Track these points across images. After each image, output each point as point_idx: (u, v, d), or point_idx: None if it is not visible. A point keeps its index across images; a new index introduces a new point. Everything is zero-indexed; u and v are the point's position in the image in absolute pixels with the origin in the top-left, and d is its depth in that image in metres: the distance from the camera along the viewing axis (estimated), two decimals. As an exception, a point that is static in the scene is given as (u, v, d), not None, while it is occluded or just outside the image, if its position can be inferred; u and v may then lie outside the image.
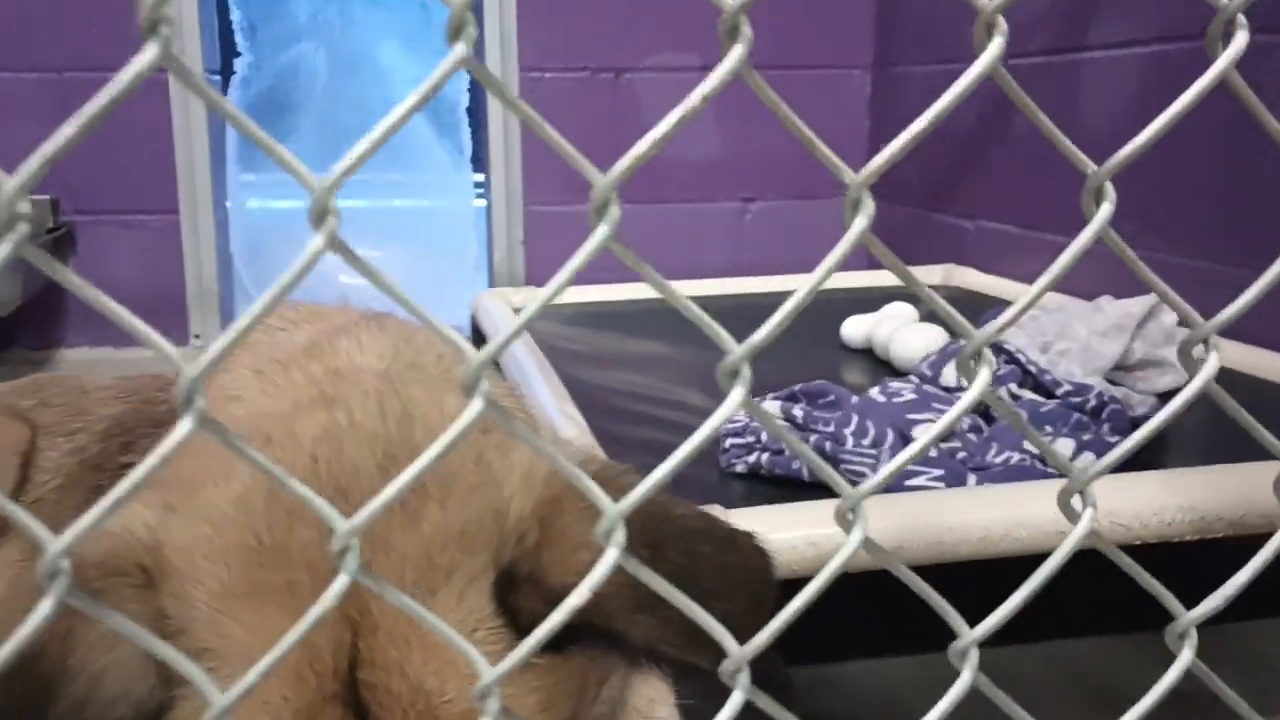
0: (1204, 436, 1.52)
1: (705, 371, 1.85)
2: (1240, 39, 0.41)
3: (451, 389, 0.69)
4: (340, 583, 0.40)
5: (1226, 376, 1.56)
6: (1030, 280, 2.05)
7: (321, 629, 0.55)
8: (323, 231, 0.38)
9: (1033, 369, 1.71)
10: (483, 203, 3.68)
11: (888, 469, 0.44)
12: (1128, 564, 0.46)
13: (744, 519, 1.20)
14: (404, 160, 4.25)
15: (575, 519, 0.58)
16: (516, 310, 2.60)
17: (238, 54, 4.15)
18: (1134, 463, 1.45)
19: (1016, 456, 1.47)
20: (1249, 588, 0.50)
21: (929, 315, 2.43)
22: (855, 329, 2.25)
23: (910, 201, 3.28)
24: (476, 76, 0.39)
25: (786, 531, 1.18)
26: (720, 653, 0.42)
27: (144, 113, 3.13)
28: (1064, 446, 1.49)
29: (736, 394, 0.40)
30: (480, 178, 4.03)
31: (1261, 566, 0.51)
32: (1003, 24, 0.40)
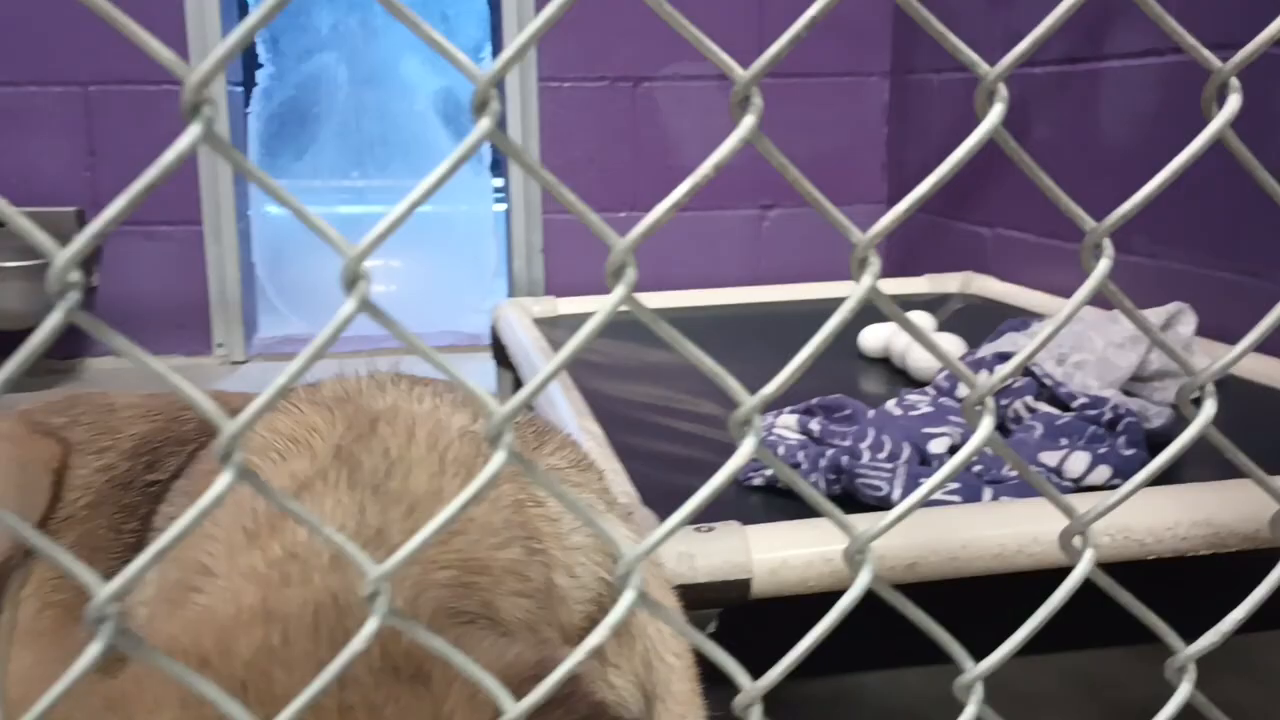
0: (1219, 452, 1.53)
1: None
2: (1234, 101, 0.42)
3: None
4: (370, 625, 0.42)
5: (1238, 387, 1.56)
6: (1048, 288, 2.07)
7: None
8: (354, 296, 0.40)
9: (1048, 382, 1.72)
10: (502, 207, 3.71)
11: (896, 513, 0.46)
12: (1127, 599, 0.48)
13: (762, 535, 1.22)
14: (423, 165, 4.28)
15: None
16: (536, 320, 2.63)
17: (260, 65, 4.20)
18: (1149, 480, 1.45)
19: (1032, 470, 1.48)
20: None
21: (946, 324, 2.44)
22: (873, 338, 2.27)
23: (928, 209, 3.29)
24: (500, 148, 0.41)
25: (803, 548, 1.20)
26: None
27: (167, 126, 3.18)
28: (1079, 460, 1.50)
29: (748, 445, 0.42)
30: (499, 182, 4.05)
31: (1262, 600, 0.52)
32: (1003, 90, 0.42)
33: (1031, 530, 1.23)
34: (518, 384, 2.66)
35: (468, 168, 4.55)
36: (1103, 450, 1.52)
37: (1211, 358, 1.89)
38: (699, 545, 1.18)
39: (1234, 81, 0.42)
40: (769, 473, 1.49)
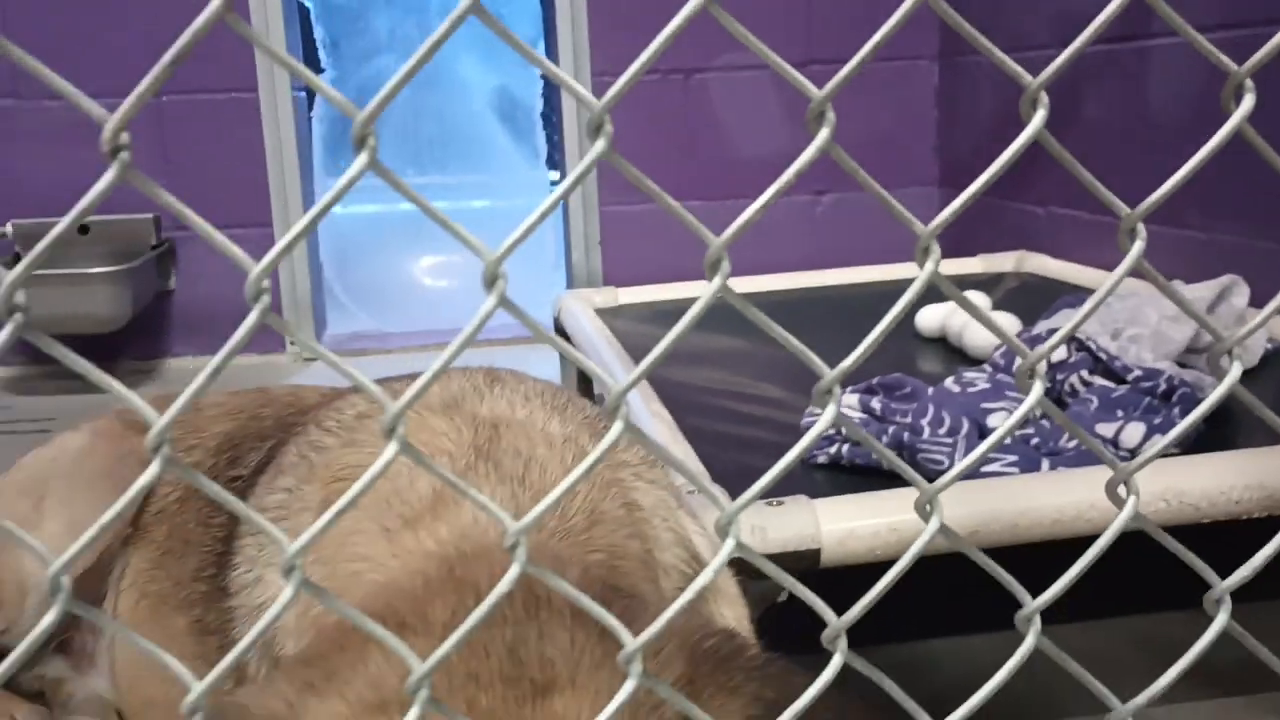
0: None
1: (784, 366, 1.94)
2: (1248, 101, 0.49)
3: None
4: (513, 571, 0.50)
5: None
6: (1102, 265, 2.11)
7: None
8: (494, 294, 0.47)
9: (1103, 356, 1.77)
10: (559, 200, 3.78)
11: (960, 466, 0.52)
12: (1170, 542, 0.54)
13: (829, 508, 1.29)
14: (481, 163, 4.38)
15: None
16: (598, 311, 2.70)
17: (321, 70, 4.32)
18: (1203, 444, 1.50)
19: (1083, 434, 1.53)
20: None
21: (1001, 303, 2.48)
22: (929, 318, 2.32)
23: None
24: (619, 169, 0.48)
25: (870, 519, 1.27)
26: None
27: (238, 131, 3.30)
28: (1135, 430, 1.55)
29: (829, 413, 0.49)
30: (555, 175, 4.13)
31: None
32: (1044, 98, 0.48)
33: (1089, 497, 1.29)
34: (582, 372, 2.74)
35: (524, 161, 4.65)
36: (1158, 420, 1.57)
37: (1268, 330, 1.91)
38: (770, 518, 1.25)
39: (1249, 83, 0.49)
40: (833, 450, 1.55)
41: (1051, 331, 1.90)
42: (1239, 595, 0.62)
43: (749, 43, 0.48)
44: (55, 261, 2.98)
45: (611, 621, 0.53)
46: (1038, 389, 0.50)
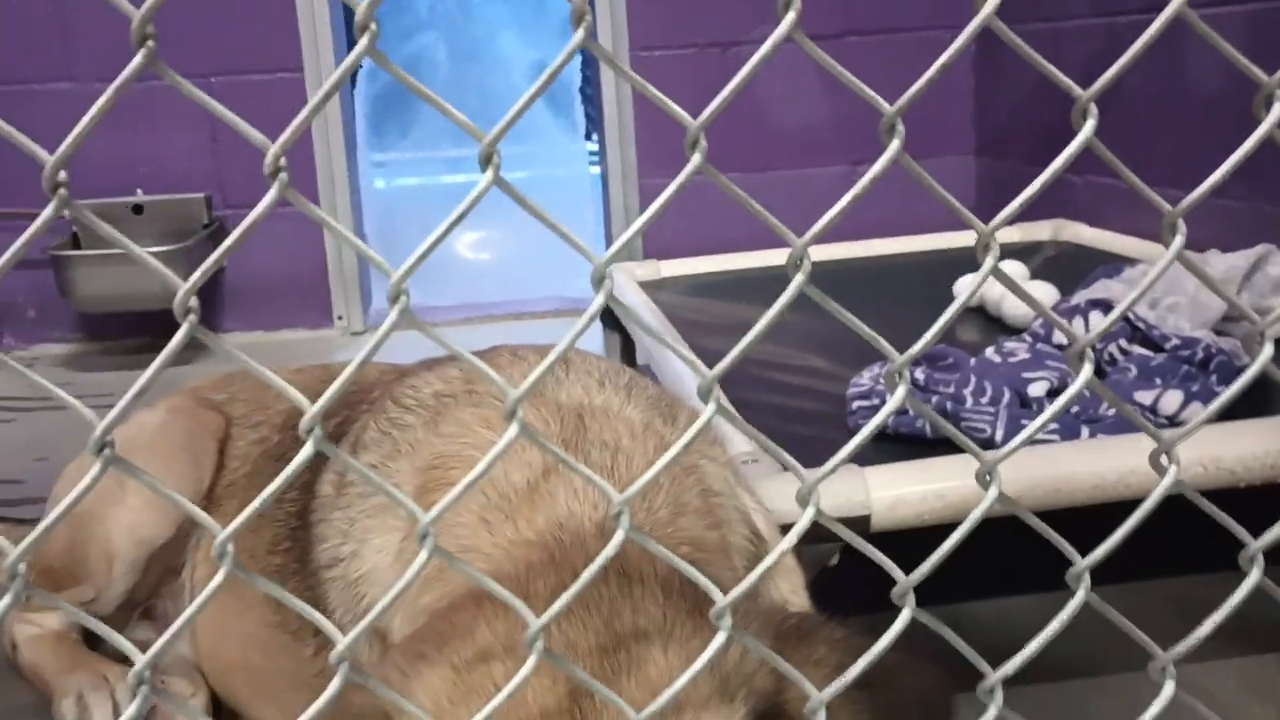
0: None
1: (824, 337, 1.99)
2: (1278, 109, 0.54)
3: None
4: (618, 536, 0.56)
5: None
6: (1139, 233, 2.15)
7: None
8: (602, 293, 0.53)
9: (1141, 325, 1.81)
10: (597, 169, 3.84)
11: (1018, 440, 0.58)
12: (1207, 506, 0.60)
13: (878, 476, 1.34)
14: (521, 135, 4.44)
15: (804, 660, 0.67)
16: (641, 284, 2.75)
17: (363, 48, 4.37)
18: (1239, 411, 1.55)
19: (1127, 409, 1.58)
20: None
21: (1039, 272, 2.52)
22: (968, 288, 2.35)
23: (1018, 157, 3.34)
24: (718, 184, 0.53)
25: (918, 485, 1.33)
26: None
27: (284, 111, 3.36)
28: (1173, 398, 1.59)
29: (900, 392, 0.55)
30: (594, 146, 4.18)
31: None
32: (1094, 109, 0.53)
33: (1129, 463, 1.34)
34: (626, 345, 2.80)
35: (562, 134, 4.70)
36: (1195, 388, 1.61)
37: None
38: (823, 485, 1.31)
39: (1279, 92, 0.54)
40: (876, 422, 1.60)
41: (1090, 302, 1.94)
42: (1272, 557, 0.67)
43: (823, 60, 0.54)
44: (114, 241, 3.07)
45: (704, 581, 0.59)
46: (1087, 370, 0.56)
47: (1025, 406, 1.63)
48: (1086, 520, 1.41)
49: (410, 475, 0.97)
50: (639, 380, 1.14)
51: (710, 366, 1.83)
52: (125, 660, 1.58)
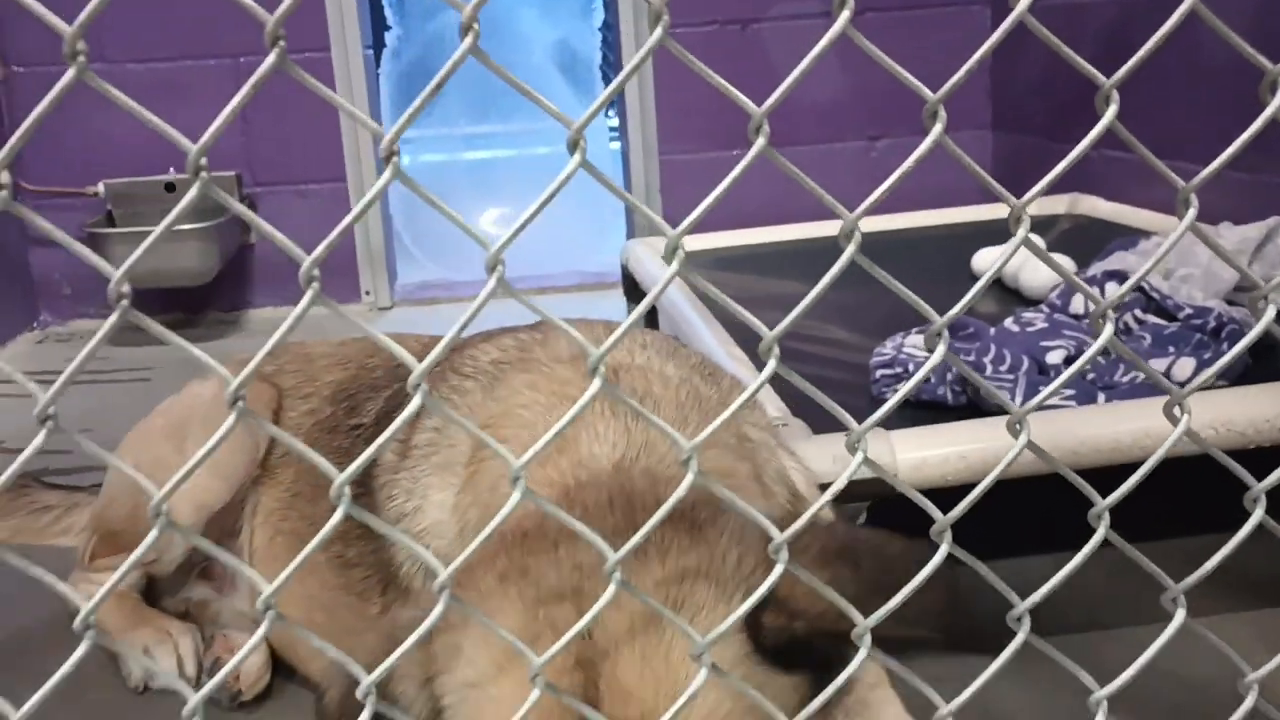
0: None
1: (846, 309, 2.05)
2: (1283, 94, 0.60)
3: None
4: (687, 480, 0.63)
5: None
6: (1154, 206, 2.21)
7: (562, 677, 0.71)
8: (673, 268, 0.60)
9: (1155, 295, 1.87)
10: (618, 145, 3.89)
11: (1047, 391, 0.65)
12: (1215, 452, 0.67)
13: (903, 438, 1.41)
14: (543, 112, 4.48)
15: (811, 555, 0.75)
16: (664, 259, 2.80)
17: (388, 27, 4.45)
18: (1250, 376, 1.61)
19: (1141, 375, 1.65)
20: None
21: (1055, 245, 2.57)
22: (986, 260, 2.41)
23: (1034, 130, 3.39)
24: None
25: (940, 448, 1.39)
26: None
27: (309, 92, 3.42)
28: (1186, 365, 1.66)
29: (940, 350, 0.61)
30: (614, 122, 4.24)
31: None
32: (1116, 96, 0.60)
33: (1144, 425, 1.41)
34: (651, 316, 2.87)
35: (583, 109, 4.73)
36: (1207, 355, 1.67)
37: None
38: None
39: (1283, 79, 0.60)
40: (900, 388, 1.67)
41: (1106, 273, 2.00)
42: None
43: (872, 54, 0.60)
44: (148, 219, 3.14)
45: (760, 519, 0.66)
46: (1108, 330, 0.63)
47: (1043, 374, 1.70)
48: (1103, 484, 1.48)
49: (468, 436, 1.05)
50: (685, 349, 1.21)
51: (738, 339, 1.89)
52: (184, 615, 1.66)
